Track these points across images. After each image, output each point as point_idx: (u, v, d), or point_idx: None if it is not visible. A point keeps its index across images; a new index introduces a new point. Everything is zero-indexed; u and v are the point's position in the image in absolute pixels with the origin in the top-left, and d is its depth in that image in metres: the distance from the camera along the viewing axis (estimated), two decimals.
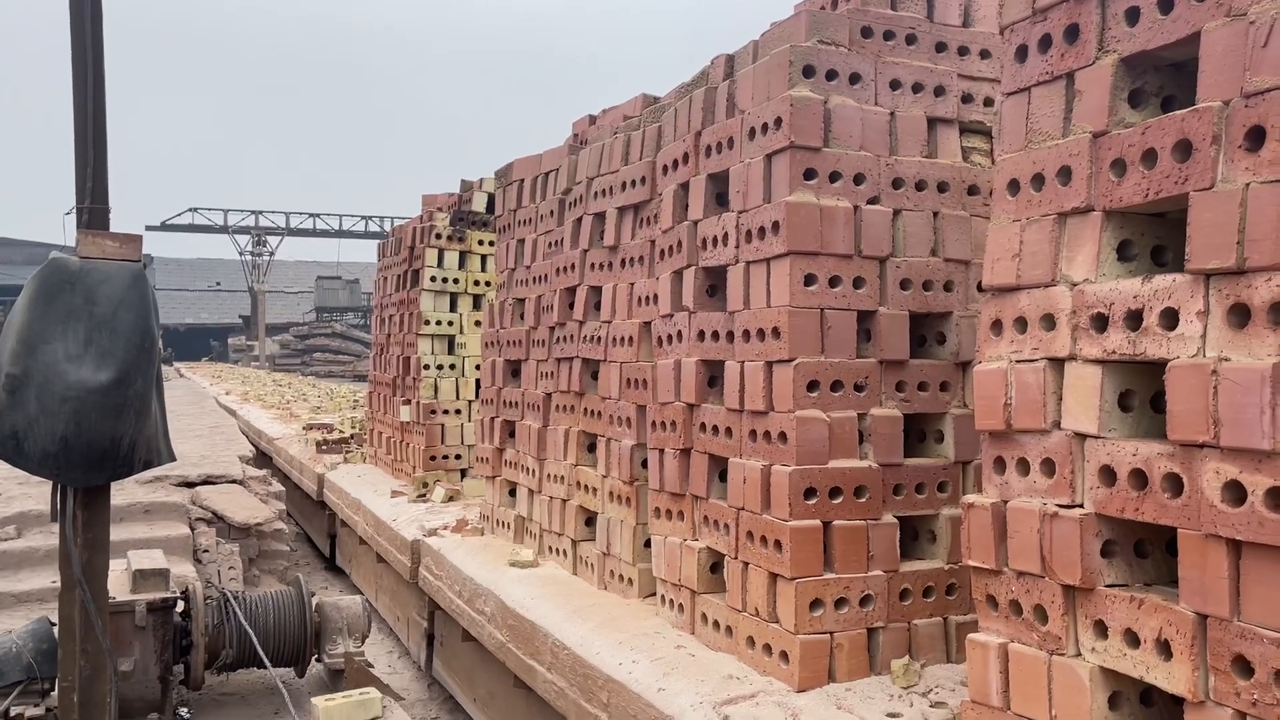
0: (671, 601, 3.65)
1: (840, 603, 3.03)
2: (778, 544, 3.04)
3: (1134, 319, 2.05)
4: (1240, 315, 1.84)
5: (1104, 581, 2.14)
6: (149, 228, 42.82)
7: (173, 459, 3.00)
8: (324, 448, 9.42)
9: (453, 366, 7.33)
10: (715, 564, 3.46)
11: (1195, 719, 1.93)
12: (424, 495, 6.76)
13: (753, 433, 3.21)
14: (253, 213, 45.79)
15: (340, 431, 10.36)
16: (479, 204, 7.52)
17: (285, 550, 6.79)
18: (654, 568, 3.78)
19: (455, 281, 7.41)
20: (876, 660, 3.07)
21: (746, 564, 3.21)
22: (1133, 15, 2.11)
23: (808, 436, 3.03)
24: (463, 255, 7.45)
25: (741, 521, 3.23)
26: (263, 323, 43.19)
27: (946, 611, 3.18)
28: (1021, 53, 2.39)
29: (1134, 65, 2.15)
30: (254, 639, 4.31)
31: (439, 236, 7.34)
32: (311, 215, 47.61)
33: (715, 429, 3.42)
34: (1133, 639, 2.05)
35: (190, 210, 44.36)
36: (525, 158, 5.38)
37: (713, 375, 3.51)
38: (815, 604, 3.00)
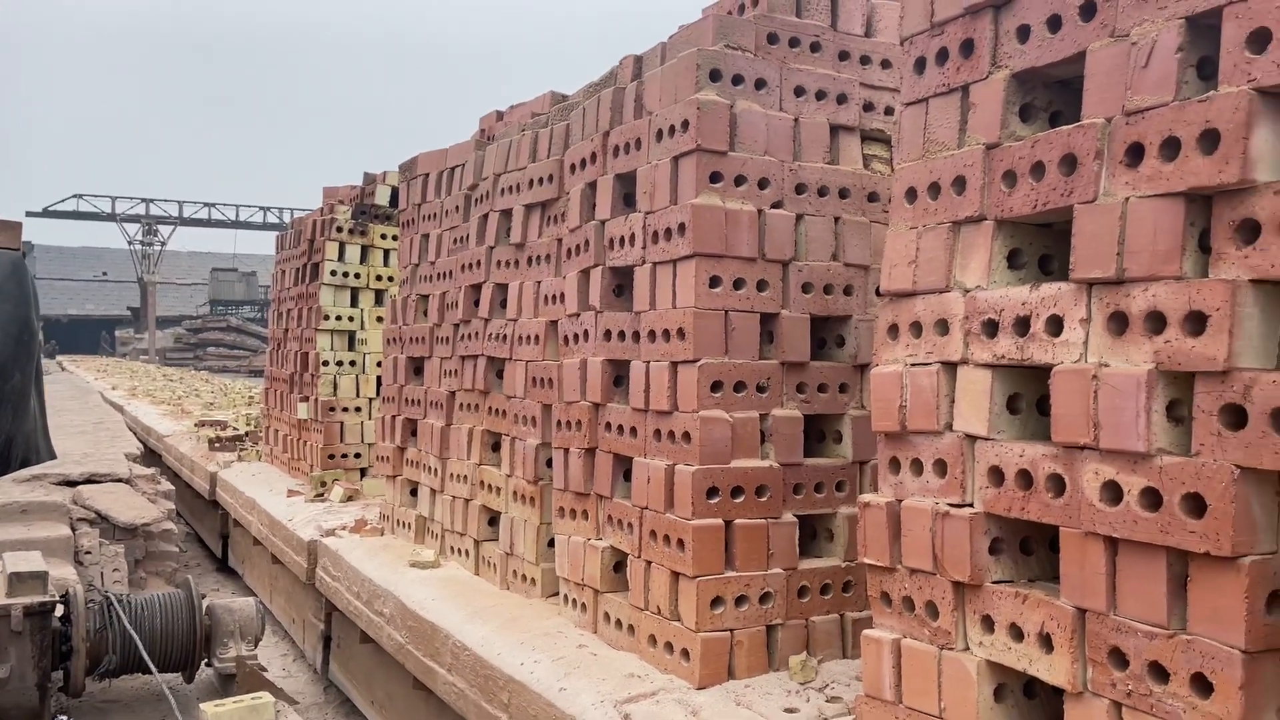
0: (574, 601, 3.65)
1: (740, 600, 3.07)
2: (680, 543, 3.06)
3: (1022, 325, 2.13)
4: (1119, 323, 1.93)
5: (991, 578, 2.22)
6: (30, 214, 40.80)
7: (53, 457, 2.87)
8: (217, 445, 9.12)
9: (353, 363, 7.17)
10: (618, 563, 3.47)
11: (1074, 710, 2.02)
12: (322, 495, 6.61)
13: (657, 432, 3.23)
14: (143, 200, 44.06)
15: (235, 429, 10.05)
16: (382, 197, 7.38)
17: (174, 551, 6.54)
18: (557, 567, 3.77)
19: (357, 276, 7.26)
20: (775, 657, 3.13)
21: (649, 563, 3.22)
22: (1023, 33, 2.19)
23: (711, 436, 3.06)
24: (364, 249, 7.30)
25: (645, 521, 3.24)
26: (153, 315, 41.55)
27: (844, 608, 3.25)
28: (920, 65, 2.46)
29: (1025, 81, 2.23)
30: (139, 643, 4.15)
31: (340, 230, 7.17)
32: (206, 205, 46.08)
33: (620, 428, 3.43)
34: (1017, 633, 2.13)
35: (75, 196, 42.42)
36: (430, 152, 5.30)
37: (618, 375, 3.51)
38: (716, 602, 3.03)
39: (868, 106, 3.45)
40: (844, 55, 3.42)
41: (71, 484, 6.01)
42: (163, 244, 44.12)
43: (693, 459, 3.06)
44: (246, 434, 9.60)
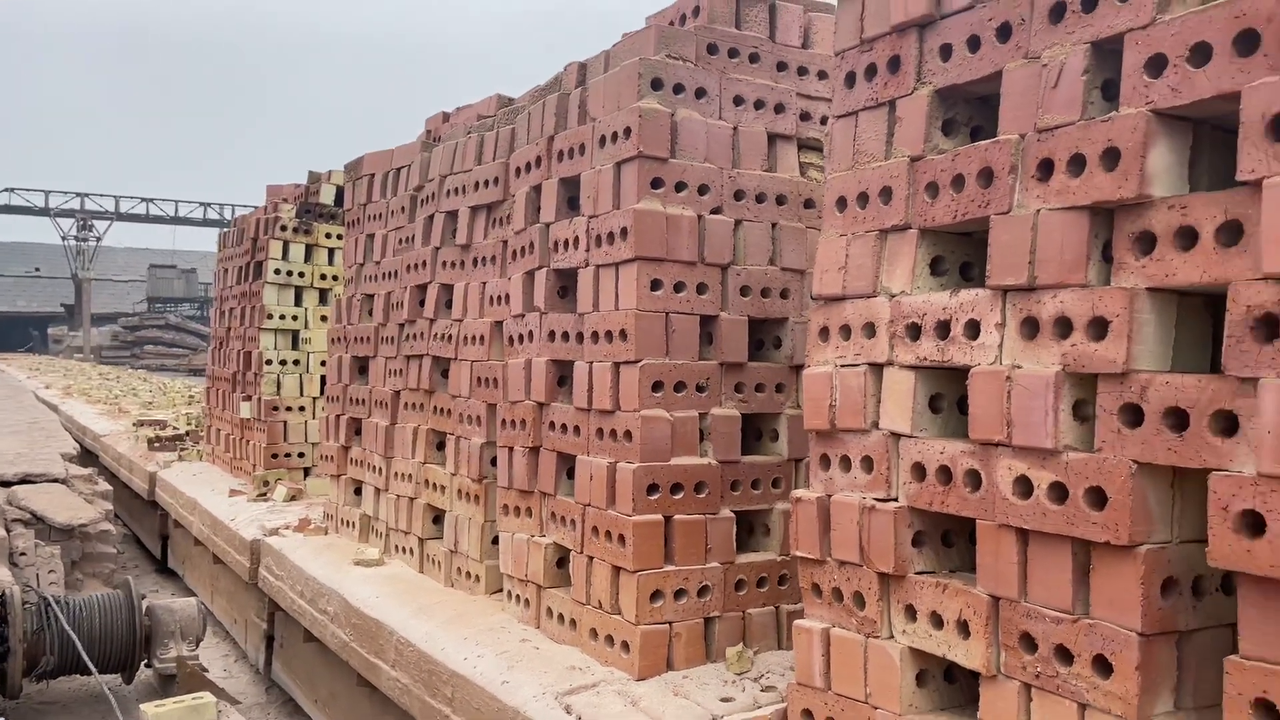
0: (518, 597, 3.71)
1: (679, 594, 3.16)
2: (621, 538, 3.14)
3: (943, 329, 2.25)
4: (1031, 328, 2.06)
5: (914, 569, 2.34)
6: None
7: None
8: (157, 445, 9.00)
9: (296, 362, 7.14)
10: (561, 559, 3.55)
11: (988, 692, 2.14)
12: (265, 494, 6.57)
13: (600, 431, 3.31)
14: (78, 195, 42.97)
15: (175, 428, 9.91)
16: (327, 196, 7.36)
17: (112, 553, 6.46)
18: (501, 564, 3.83)
19: (300, 275, 7.22)
20: (713, 648, 3.22)
21: (591, 558, 3.30)
22: (946, 51, 2.31)
23: (652, 435, 3.15)
24: (309, 248, 7.27)
25: (587, 517, 3.32)
26: (88, 312, 40.56)
27: (779, 600, 3.36)
28: (850, 79, 2.57)
29: (947, 97, 2.35)
30: (78, 644, 4.12)
31: (284, 228, 7.14)
32: (145, 200, 45.09)
33: (564, 427, 3.50)
34: (937, 621, 2.25)
35: (7, 190, 41.26)
36: (376, 152, 5.32)
37: (562, 375, 3.59)
38: (655, 595, 3.12)
39: (804, 116, 3.56)
40: (782, 66, 3.54)
41: (5, 484, 5.92)
42: (98, 239, 43.09)
43: (634, 457, 3.14)
44: (187, 433, 9.49)
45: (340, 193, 7.24)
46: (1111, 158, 1.90)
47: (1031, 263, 2.04)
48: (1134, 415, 1.86)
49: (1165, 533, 1.88)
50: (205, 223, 46.54)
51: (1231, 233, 1.71)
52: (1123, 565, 1.88)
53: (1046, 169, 2.03)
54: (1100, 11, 1.96)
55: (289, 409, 6.99)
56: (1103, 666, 1.91)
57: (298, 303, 7.24)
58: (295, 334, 7.20)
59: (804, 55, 3.59)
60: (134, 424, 10.71)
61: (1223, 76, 1.73)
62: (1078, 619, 1.95)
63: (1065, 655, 1.98)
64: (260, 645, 5.73)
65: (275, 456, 6.89)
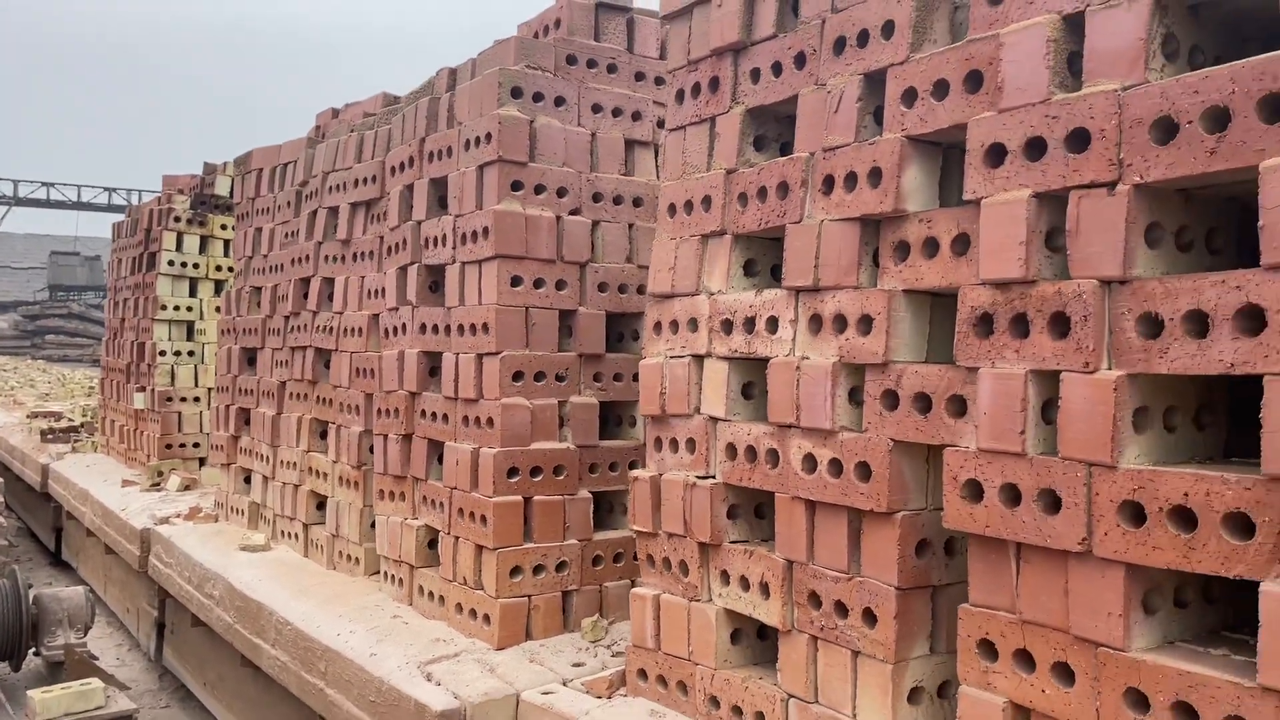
0: (393, 576, 3.91)
1: (538, 569, 3.40)
2: (483, 518, 3.36)
3: (750, 324, 2.52)
4: (816, 324, 2.34)
5: (729, 539, 2.61)
6: None
7: None
8: (50, 437, 8.90)
9: (191, 353, 7.17)
10: (432, 540, 3.75)
11: (785, 645, 2.42)
12: (158, 484, 6.62)
13: (465, 418, 3.52)
14: None
15: (70, 420, 9.79)
16: (222, 188, 7.38)
17: (4, 544, 6.44)
18: (378, 546, 4.02)
19: (196, 266, 7.25)
20: (570, 619, 3.47)
21: (458, 538, 3.52)
22: (755, 75, 2.58)
23: (512, 421, 3.38)
24: (204, 239, 7.30)
25: (454, 500, 3.53)
26: None
27: (633, 574, 3.61)
28: (680, 96, 2.82)
29: (757, 115, 2.62)
30: None
31: (178, 220, 7.16)
32: (45, 184, 43.54)
33: (434, 415, 3.70)
34: (745, 584, 2.53)
35: None
36: (264, 148, 5.42)
37: (433, 366, 3.79)
38: (515, 571, 3.35)
39: (661, 123, 3.81)
40: (640, 76, 3.78)
41: None
42: None
43: (495, 442, 3.36)
44: (82, 425, 9.39)
45: (234, 184, 7.28)
46: (876, 176, 2.18)
47: (816, 266, 2.32)
48: (892, 400, 2.15)
49: (920, 501, 2.18)
50: (109, 208, 45.11)
51: (963, 244, 2.01)
52: (884, 530, 2.17)
53: (829, 184, 2.31)
54: (871, 47, 2.24)
55: (183, 399, 7.02)
56: (870, 618, 2.20)
57: (192, 294, 7.27)
58: (190, 325, 7.23)
59: (660, 65, 3.83)
60: (28, 416, 10.52)
61: (956, 110, 2.02)
62: (852, 578, 2.24)
63: (843, 609, 2.27)
64: (152, 633, 5.81)
65: (170, 447, 6.92)
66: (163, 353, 7.02)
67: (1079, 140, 1.78)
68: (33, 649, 5.18)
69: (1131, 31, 1.72)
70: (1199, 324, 1.62)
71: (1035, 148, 1.85)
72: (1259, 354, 1.53)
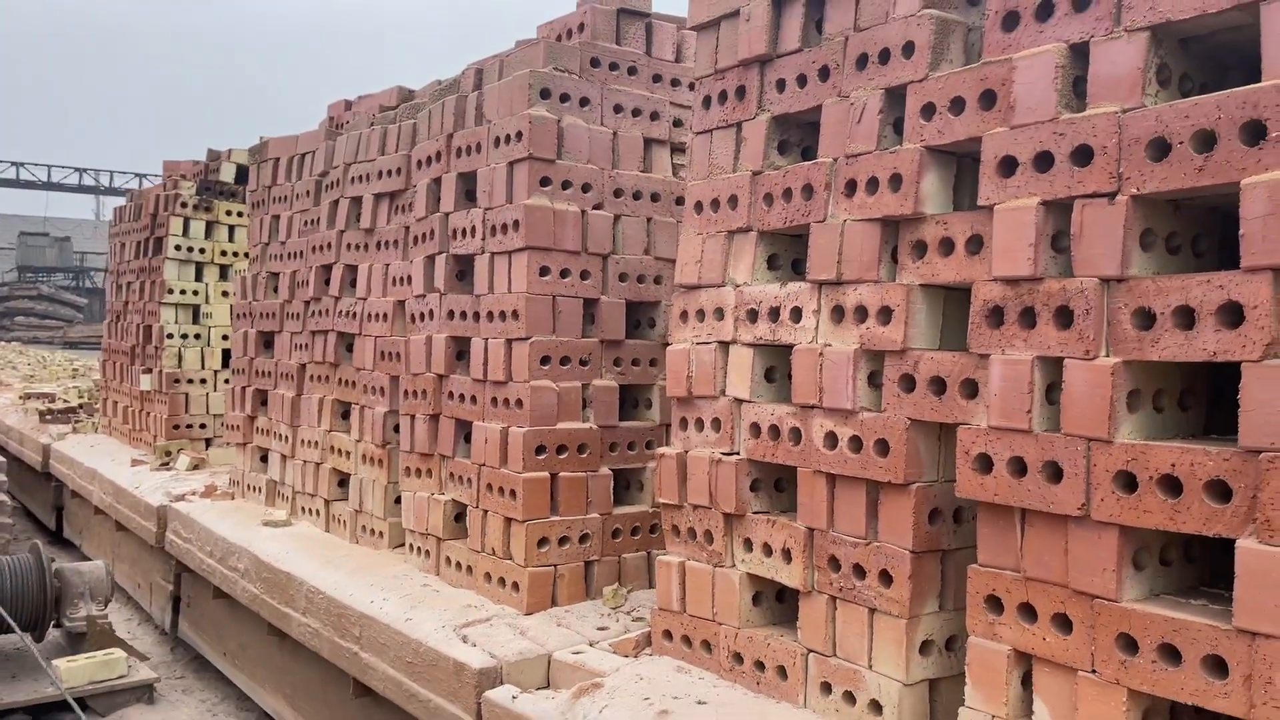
0: (419, 549, 4.13)
1: (563, 540, 3.64)
2: (513, 493, 3.59)
3: (774, 314, 2.76)
4: (838, 314, 2.58)
5: (752, 510, 2.85)
6: None
7: None
8: (49, 418, 9.01)
9: (198, 336, 7.33)
10: (459, 514, 3.98)
11: (805, 604, 2.67)
12: (167, 464, 6.78)
13: (494, 400, 3.74)
14: None
15: (65, 401, 9.89)
16: (227, 174, 7.53)
17: (7, 523, 6.59)
18: (404, 520, 4.24)
19: (201, 251, 7.40)
20: (592, 587, 3.71)
21: (486, 511, 3.74)
22: (781, 85, 2.81)
23: (540, 403, 3.60)
24: (209, 225, 7.45)
25: (483, 476, 3.76)
26: None
27: (650, 547, 3.86)
28: (706, 102, 3.05)
29: (782, 122, 2.85)
30: None
31: (184, 205, 7.30)
32: (14, 164, 43.01)
33: (462, 397, 3.92)
34: (768, 550, 2.77)
35: None
36: (281, 138, 5.59)
37: (460, 350, 4.00)
38: (542, 542, 3.58)
39: (677, 122, 4.03)
40: (657, 78, 4.00)
41: None
42: None
43: (524, 422, 3.59)
44: (81, 406, 9.49)
45: (240, 171, 7.43)
46: (896, 181, 2.42)
47: (839, 262, 2.56)
48: (909, 383, 2.40)
49: (933, 474, 2.43)
50: (80, 189, 44.72)
51: (976, 244, 2.26)
52: (900, 499, 2.42)
53: (851, 187, 2.55)
54: (892, 64, 2.47)
55: (190, 381, 7.18)
56: (885, 578, 2.45)
57: (198, 278, 7.41)
58: (196, 308, 7.38)
59: (677, 68, 4.06)
60: (21, 397, 10.60)
61: (971, 124, 2.26)
62: (869, 543, 2.49)
63: (860, 571, 2.52)
64: (166, 606, 5.99)
65: (177, 428, 7.08)
66: (170, 335, 7.17)
67: (1083, 155, 2.03)
68: (54, 621, 5.37)
69: (1130, 61, 1.97)
70: (1187, 318, 1.87)
71: (1044, 160, 2.10)
72: (1238, 344, 1.79)
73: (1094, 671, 2.01)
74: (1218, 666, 1.82)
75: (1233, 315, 1.80)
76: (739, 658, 2.83)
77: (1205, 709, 1.86)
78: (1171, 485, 1.89)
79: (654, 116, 3.95)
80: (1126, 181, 1.96)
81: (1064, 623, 2.08)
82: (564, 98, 3.71)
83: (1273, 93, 1.75)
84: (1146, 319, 1.94)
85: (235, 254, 7.55)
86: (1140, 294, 1.94)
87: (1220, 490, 1.82)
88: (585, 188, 3.73)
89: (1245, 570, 1.77)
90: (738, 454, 2.88)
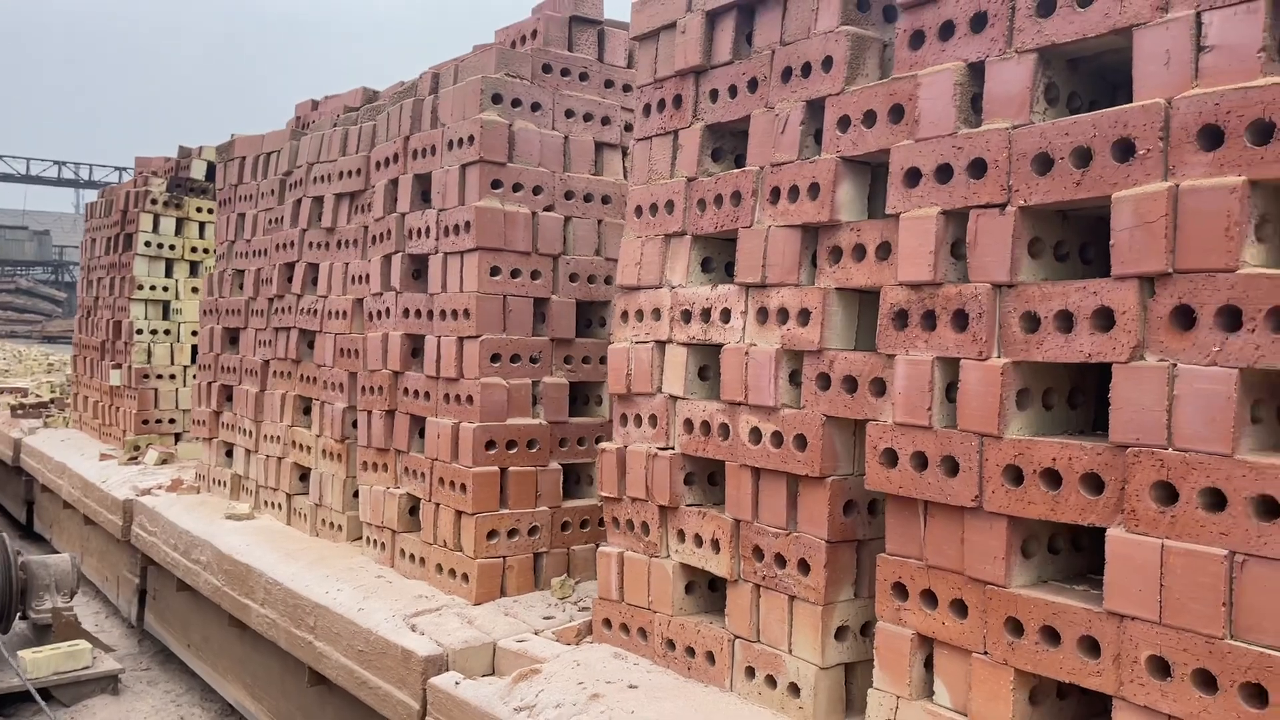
0: (375, 541, 4.23)
1: (512, 533, 3.75)
2: (463, 487, 3.70)
3: (705, 315, 2.88)
4: (763, 315, 2.70)
5: (685, 502, 2.97)
6: None
7: None
8: (20, 412, 9.05)
9: (167, 332, 7.40)
10: (413, 507, 4.08)
11: (732, 592, 2.79)
12: (136, 458, 6.85)
13: (446, 396, 3.85)
14: None
15: (37, 396, 9.92)
16: (198, 171, 7.59)
17: None
18: (360, 513, 4.34)
19: (172, 248, 7.46)
20: (541, 578, 3.82)
21: (438, 504, 3.85)
22: (714, 95, 2.93)
23: (490, 399, 3.71)
24: (180, 221, 7.51)
25: (435, 470, 3.87)
26: None
27: (599, 539, 3.97)
28: (646, 110, 3.16)
29: (715, 131, 2.97)
30: None
31: (154, 202, 7.36)
32: None
33: (416, 393, 4.02)
34: (699, 541, 2.90)
35: None
36: (247, 136, 5.67)
37: (415, 347, 4.10)
38: (491, 534, 3.70)
39: (628, 127, 4.14)
40: (609, 84, 4.11)
41: None
42: None
43: (475, 417, 3.70)
44: (51, 401, 9.53)
45: (210, 168, 7.50)
46: (815, 190, 2.54)
47: (764, 265, 2.68)
48: (825, 382, 2.52)
49: (848, 467, 2.56)
50: (60, 182, 44.37)
51: (885, 250, 2.38)
52: (817, 492, 2.55)
53: (775, 195, 2.67)
54: (813, 77, 2.60)
55: (160, 376, 7.25)
56: (804, 567, 2.58)
57: (168, 274, 7.48)
58: (166, 304, 7.44)
59: (628, 74, 4.17)
60: None
61: (882, 137, 2.39)
62: (790, 533, 2.62)
63: (781, 561, 2.64)
64: (133, 599, 6.06)
65: (146, 422, 7.15)
66: (139, 331, 7.24)
67: (978, 168, 2.16)
68: (20, 612, 5.44)
69: (1020, 80, 2.10)
70: (1067, 321, 2.00)
71: (944, 172, 2.23)
72: (1109, 346, 1.92)
73: (986, 653, 2.14)
74: (1091, 647, 1.95)
75: (1105, 319, 1.93)
76: (671, 644, 2.95)
77: (1082, 687, 1.99)
78: (1053, 478, 2.02)
79: (605, 121, 4.06)
80: (1015, 193, 2.09)
81: (961, 608, 2.21)
82: (515, 103, 3.81)
83: (1140, 113, 1.88)
84: (1033, 322, 2.07)
85: (205, 250, 7.62)
86: (1027, 299, 2.07)
87: (1094, 483, 1.95)
88: (536, 190, 3.84)
89: (1114, 556, 1.90)
90: (673, 449, 3.00)
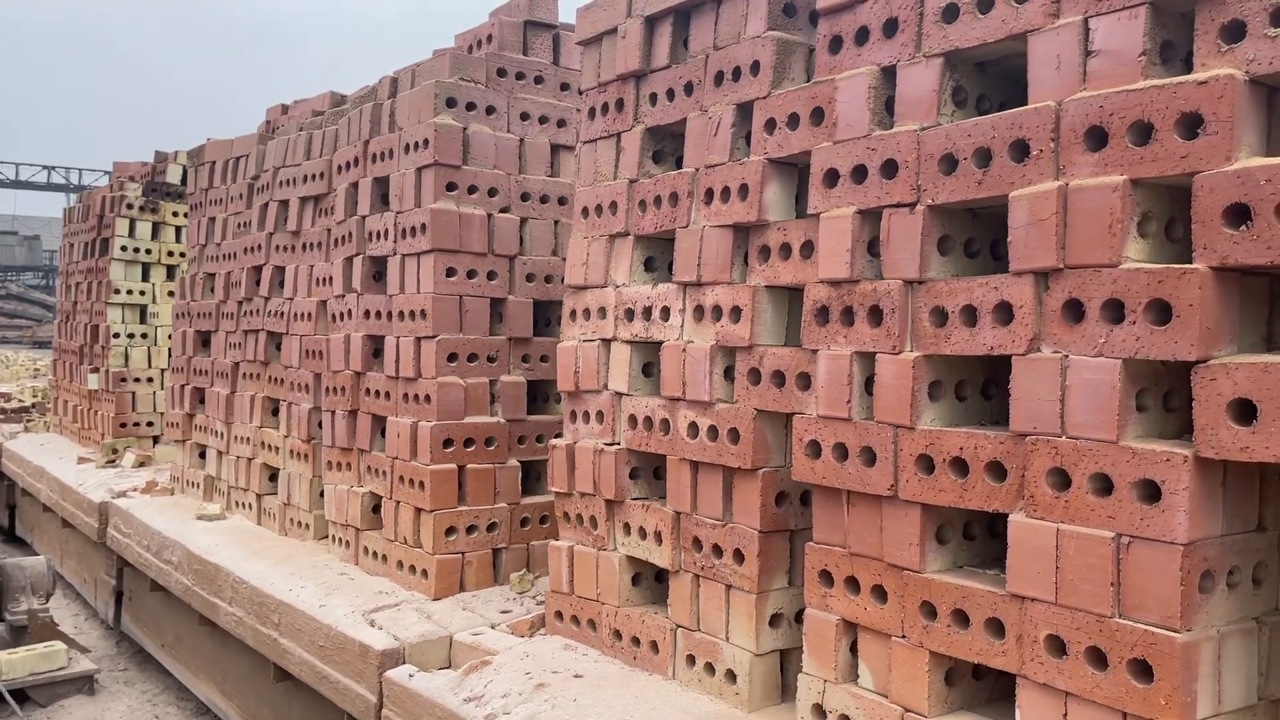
0: (339, 539, 4.30)
1: (471, 529, 3.82)
2: (421, 484, 3.77)
3: (647, 313, 2.95)
4: (699, 313, 2.77)
5: (630, 496, 3.05)
6: None
7: None
8: (1, 417, 9.09)
9: (144, 335, 7.45)
10: (376, 505, 4.15)
11: (674, 583, 2.87)
12: (113, 461, 6.90)
13: (405, 395, 3.92)
14: None
15: (20, 400, 9.96)
16: (174, 176, 7.64)
17: None
18: (326, 512, 4.41)
19: (148, 252, 7.52)
20: (500, 573, 3.90)
21: (399, 502, 3.92)
22: (653, 99, 3.00)
23: (447, 398, 3.78)
24: (156, 226, 7.57)
25: (396, 468, 3.94)
26: None
27: (557, 534, 4.04)
28: (591, 113, 3.24)
29: (655, 133, 3.04)
30: None
31: (130, 206, 7.41)
32: None
33: (377, 393, 4.09)
34: (643, 534, 2.97)
35: None
36: (217, 141, 5.73)
37: (376, 348, 4.17)
38: (450, 531, 3.77)
39: None
40: (565, 86, 4.18)
41: None
42: None
43: (432, 416, 3.77)
44: (34, 406, 9.58)
45: (186, 172, 7.54)
46: (744, 191, 2.62)
47: (699, 264, 2.76)
48: (756, 376, 2.60)
49: (779, 460, 2.63)
50: (49, 187, 44.26)
51: (808, 249, 2.46)
52: (750, 484, 2.62)
53: (709, 195, 2.75)
54: (742, 81, 2.67)
55: (137, 380, 7.31)
56: (739, 557, 2.65)
57: (145, 278, 7.54)
58: (143, 308, 7.50)
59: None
60: None
61: (805, 139, 2.46)
62: (726, 524, 2.69)
63: (718, 551, 2.72)
64: (110, 601, 6.12)
65: (124, 425, 7.21)
66: (116, 335, 7.29)
67: (890, 169, 2.23)
68: None
69: (928, 83, 2.18)
70: (971, 316, 2.08)
71: (859, 173, 2.30)
72: (1009, 339, 2.00)
73: (904, 636, 2.22)
74: (997, 628, 2.03)
75: (1005, 313, 2.01)
76: (618, 634, 3.03)
77: (990, 667, 2.07)
78: (961, 467, 2.10)
79: (560, 124, 4.13)
80: (924, 193, 2.16)
81: (881, 593, 2.29)
82: (470, 106, 3.88)
83: (1033, 115, 1.96)
84: (941, 317, 2.14)
85: (181, 255, 7.67)
86: (936, 294, 2.15)
87: (997, 470, 2.03)
88: (492, 192, 3.91)
89: (1015, 540, 1.98)
90: (618, 444, 3.07)
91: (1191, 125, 1.74)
